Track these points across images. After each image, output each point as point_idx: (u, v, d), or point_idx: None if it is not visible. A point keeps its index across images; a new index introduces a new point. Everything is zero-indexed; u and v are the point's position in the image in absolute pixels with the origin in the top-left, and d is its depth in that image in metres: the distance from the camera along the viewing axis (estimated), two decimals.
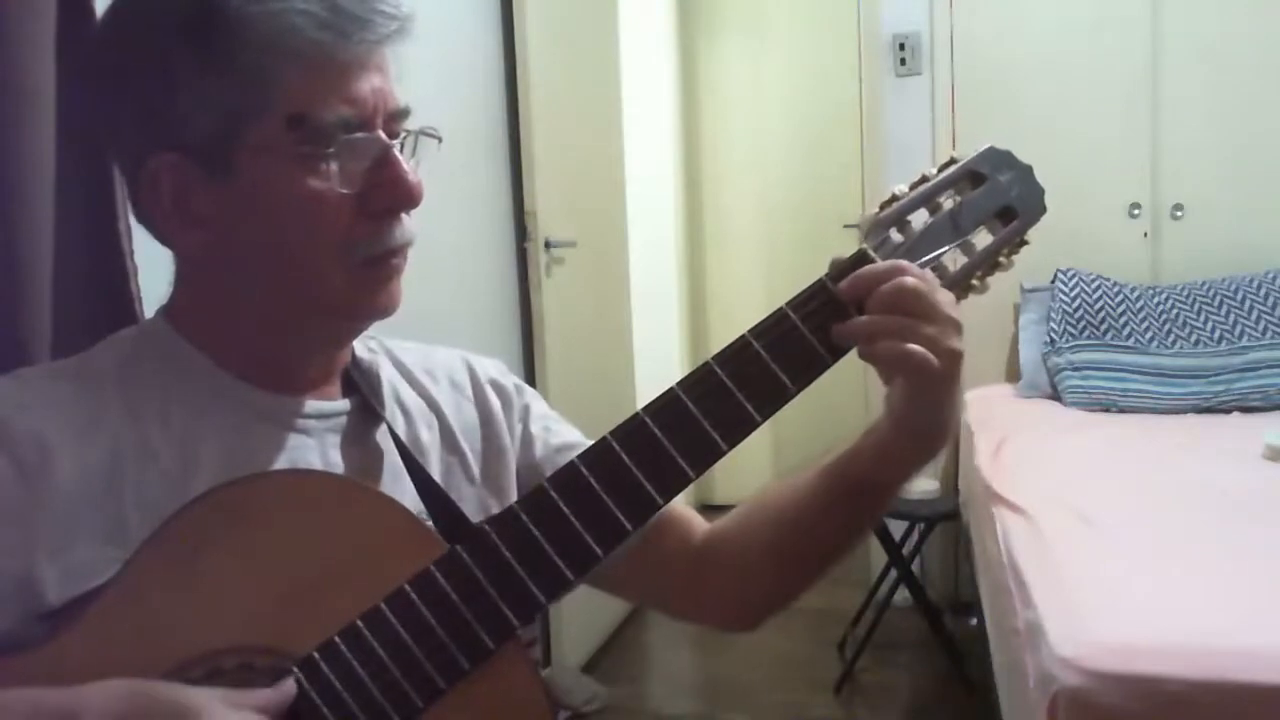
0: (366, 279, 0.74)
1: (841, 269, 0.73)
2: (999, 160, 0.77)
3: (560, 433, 0.92)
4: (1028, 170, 0.78)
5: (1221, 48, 2.98)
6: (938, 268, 0.76)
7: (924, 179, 0.77)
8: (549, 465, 0.88)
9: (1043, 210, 0.77)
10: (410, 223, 0.76)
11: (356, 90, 0.71)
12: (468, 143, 2.44)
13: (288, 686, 0.65)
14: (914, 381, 0.72)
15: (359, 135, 0.71)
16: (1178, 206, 3.04)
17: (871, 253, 0.74)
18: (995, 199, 0.77)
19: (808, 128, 4.18)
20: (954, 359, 0.71)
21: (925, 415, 0.75)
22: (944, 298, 0.72)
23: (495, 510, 0.85)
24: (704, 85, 4.40)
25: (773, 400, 0.72)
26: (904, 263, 0.72)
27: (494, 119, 2.58)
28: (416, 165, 0.76)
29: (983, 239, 0.77)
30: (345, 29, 0.69)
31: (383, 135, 0.73)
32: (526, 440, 0.90)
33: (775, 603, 0.90)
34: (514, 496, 0.87)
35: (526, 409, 0.92)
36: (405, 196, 0.74)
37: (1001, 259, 0.77)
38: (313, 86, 0.69)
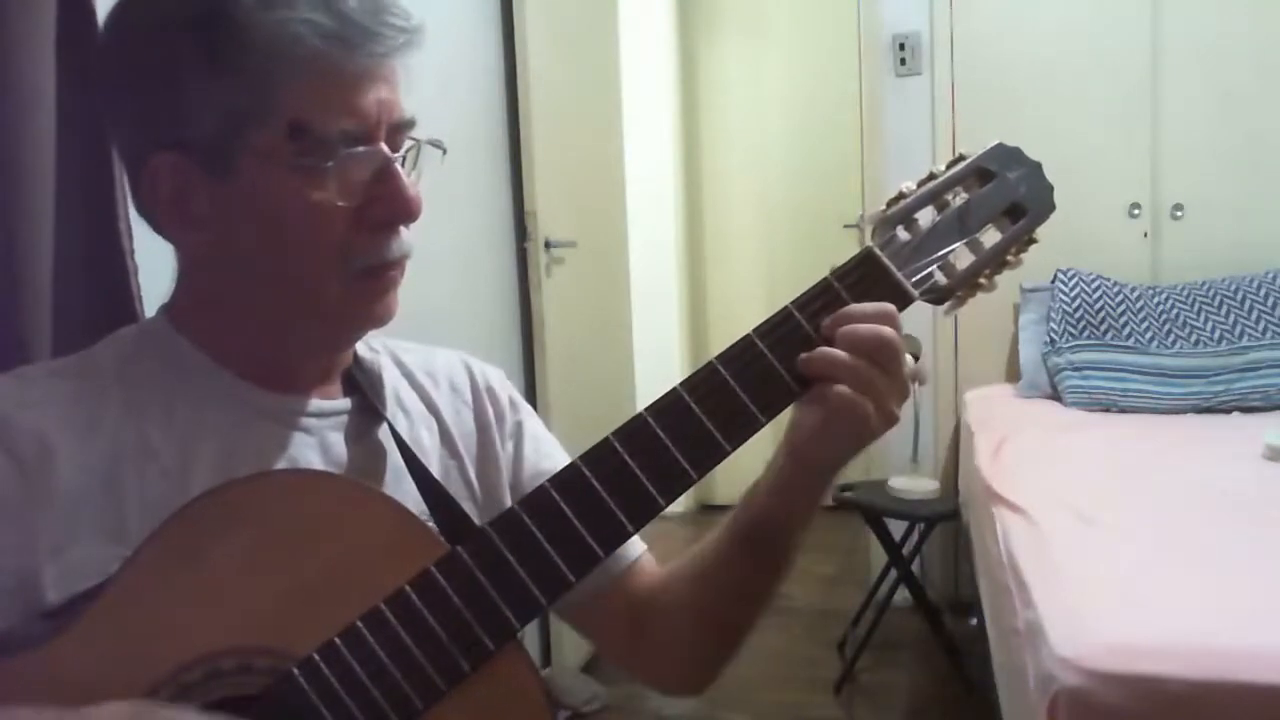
0: (363, 290, 0.74)
1: (848, 268, 0.73)
2: (1007, 157, 0.77)
3: (552, 456, 0.91)
4: (1036, 167, 0.77)
5: (1221, 48, 2.98)
6: (945, 265, 0.75)
7: (932, 176, 0.76)
8: (534, 485, 0.88)
9: (1052, 208, 0.76)
10: (408, 235, 0.75)
11: (360, 102, 0.70)
12: (468, 143, 2.44)
13: None
14: (842, 427, 0.72)
15: (359, 149, 0.71)
16: (1178, 206, 3.04)
17: (878, 251, 0.73)
18: (1004, 196, 0.76)
19: (808, 128, 4.18)
20: (889, 422, 0.72)
21: (830, 459, 0.76)
22: (905, 361, 0.72)
23: (489, 515, 0.85)
24: (704, 85, 4.40)
25: (777, 400, 0.71)
26: (891, 309, 0.72)
27: (494, 119, 2.58)
28: (418, 177, 0.76)
29: (991, 237, 0.76)
30: (353, 40, 0.69)
31: (384, 148, 0.72)
32: (517, 459, 0.90)
33: (707, 666, 0.89)
34: (507, 505, 0.87)
35: (519, 426, 0.91)
36: (404, 210, 0.73)
37: (1009, 257, 0.76)
38: (316, 97, 0.69)
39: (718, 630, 0.87)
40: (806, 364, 0.71)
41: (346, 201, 0.71)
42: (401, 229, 0.75)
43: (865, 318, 0.71)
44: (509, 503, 0.87)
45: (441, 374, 0.89)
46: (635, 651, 0.91)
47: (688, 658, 0.89)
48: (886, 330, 0.70)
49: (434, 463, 0.84)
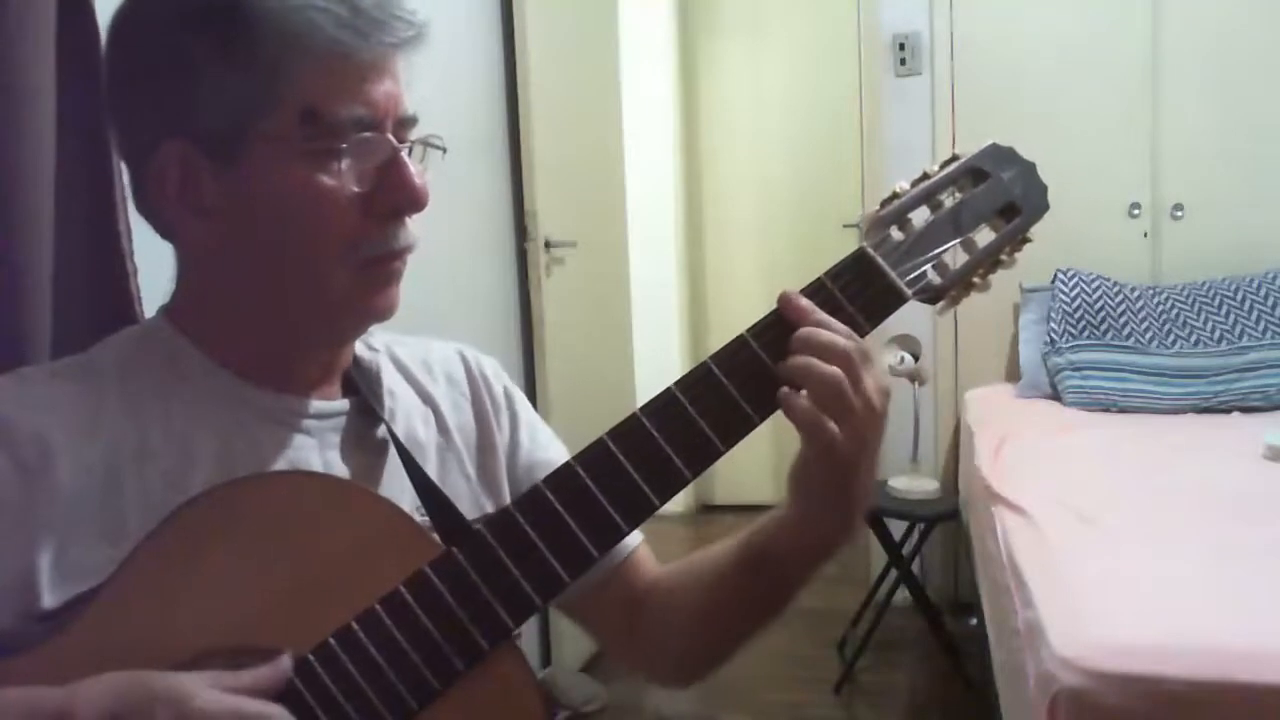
0: (367, 280, 0.74)
1: (841, 268, 0.73)
2: (1001, 157, 0.77)
3: (548, 446, 0.92)
4: (1030, 167, 0.77)
5: (1221, 48, 2.98)
6: (939, 265, 0.75)
7: (925, 176, 0.76)
8: (529, 476, 0.89)
9: (1045, 208, 0.76)
10: (413, 227, 0.76)
11: (370, 92, 0.71)
12: (468, 143, 2.44)
13: (283, 663, 0.64)
14: (804, 441, 0.70)
15: (369, 135, 0.71)
16: (1178, 206, 3.04)
17: (871, 251, 0.73)
18: (997, 196, 0.76)
19: (808, 128, 4.17)
20: (850, 433, 0.69)
21: (810, 483, 0.73)
22: (872, 383, 0.70)
23: (490, 508, 0.85)
24: (704, 85, 4.40)
25: (771, 400, 0.71)
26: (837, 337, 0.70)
27: (494, 120, 2.58)
28: (423, 171, 0.76)
29: (984, 236, 0.76)
30: (364, 30, 0.70)
31: (392, 139, 0.73)
32: (513, 446, 0.91)
33: (702, 665, 0.89)
34: (507, 494, 0.88)
35: (515, 415, 0.92)
36: (411, 199, 0.74)
37: (1003, 257, 0.77)
38: (328, 83, 0.70)
39: (716, 636, 0.88)
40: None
41: (355, 188, 0.71)
42: (406, 220, 0.75)
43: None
44: (508, 491, 0.88)
45: (438, 366, 0.90)
46: (631, 642, 0.92)
47: (682, 655, 0.90)
48: (817, 331, 0.70)
49: (431, 456, 0.85)
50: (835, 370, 0.69)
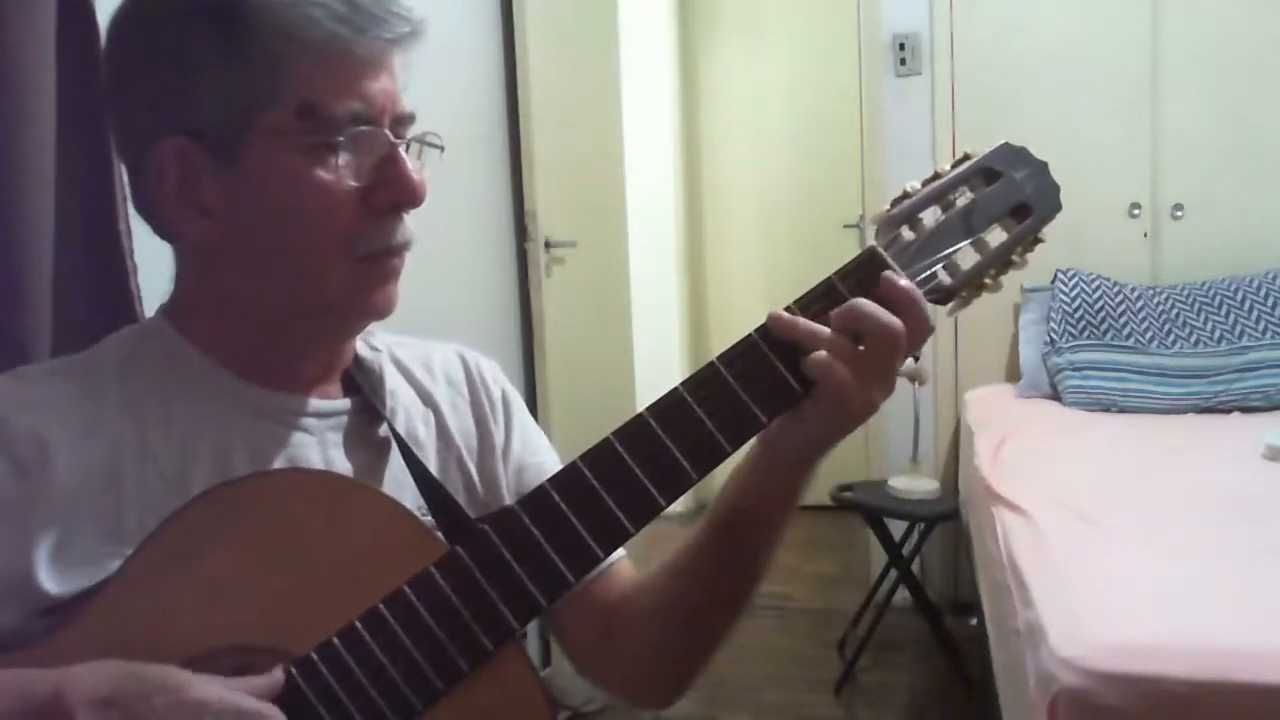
0: (365, 276, 0.74)
1: (850, 267, 0.73)
2: (1013, 157, 0.76)
3: (538, 451, 0.91)
4: (1042, 167, 0.76)
5: (1221, 48, 2.98)
6: (949, 265, 0.75)
7: (937, 175, 0.75)
8: (519, 479, 0.88)
9: (1058, 208, 0.76)
10: (410, 224, 0.76)
11: (367, 87, 0.72)
12: (468, 143, 2.44)
13: (276, 675, 0.64)
14: (822, 406, 0.71)
15: (366, 128, 0.72)
16: (1178, 206, 3.04)
17: (881, 250, 0.73)
18: (1010, 196, 0.75)
19: (808, 128, 4.17)
20: (868, 406, 0.70)
21: (800, 445, 0.74)
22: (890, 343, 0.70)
23: (490, 508, 0.85)
24: (704, 85, 4.40)
25: (778, 401, 0.71)
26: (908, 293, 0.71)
27: (494, 119, 2.58)
28: (421, 167, 0.76)
29: (996, 236, 0.75)
30: (361, 25, 0.70)
31: (388, 133, 0.73)
32: (506, 449, 0.90)
33: (679, 667, 0.86)
34: (507, 495, 0.88)
35: (510, 418, 0.91)
36: (409, 194, 0.74)
37: (1015, 257, 0.76)
38: (326, 78, 0.70)
39: (687, 632, 0.84)
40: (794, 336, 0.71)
41: (352, 183, 0.72)
42: (405, 217, 0.75)
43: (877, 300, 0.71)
44: (507, 492, 0.88)
45: (438, 368, 0.90)
46: (603, 658, 0.87)
47: (655, 662, 0.86)
48: (870, 306, 0.70)
49: (431, 456, 0.85)
50: (899, 322, 0.70)
